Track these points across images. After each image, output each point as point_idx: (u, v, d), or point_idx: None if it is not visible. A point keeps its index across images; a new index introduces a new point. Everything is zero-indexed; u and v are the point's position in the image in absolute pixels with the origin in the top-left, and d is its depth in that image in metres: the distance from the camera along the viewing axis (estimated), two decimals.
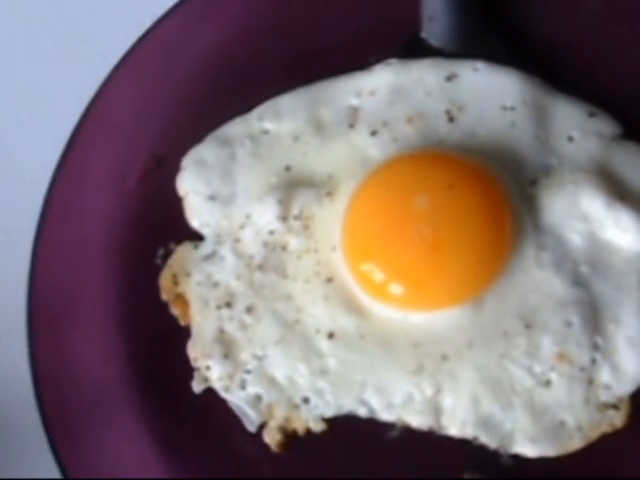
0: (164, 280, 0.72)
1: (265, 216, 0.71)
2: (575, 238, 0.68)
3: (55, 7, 0.82)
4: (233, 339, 0.70)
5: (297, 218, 0.70)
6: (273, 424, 0.69)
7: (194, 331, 0.71)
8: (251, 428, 0.69)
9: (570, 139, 0.71)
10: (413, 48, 0.74)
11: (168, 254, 0.73)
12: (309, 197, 0.71)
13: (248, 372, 0.69)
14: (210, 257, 0.72)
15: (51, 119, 0.78)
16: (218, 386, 0.69)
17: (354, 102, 0.73)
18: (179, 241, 0.73)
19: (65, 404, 0.70)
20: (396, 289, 0.67)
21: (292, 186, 0.71)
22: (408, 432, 0.67)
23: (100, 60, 0.76)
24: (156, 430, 0.70)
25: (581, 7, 0.74)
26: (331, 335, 0.68)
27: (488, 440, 0.66)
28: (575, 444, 0.66)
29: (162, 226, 0.73)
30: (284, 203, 0.70)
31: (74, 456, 0.69)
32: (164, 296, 0.72)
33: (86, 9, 0.82)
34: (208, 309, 0.71)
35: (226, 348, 0.69)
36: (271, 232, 0.71)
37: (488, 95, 0.72)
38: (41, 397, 0.70)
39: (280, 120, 0.74)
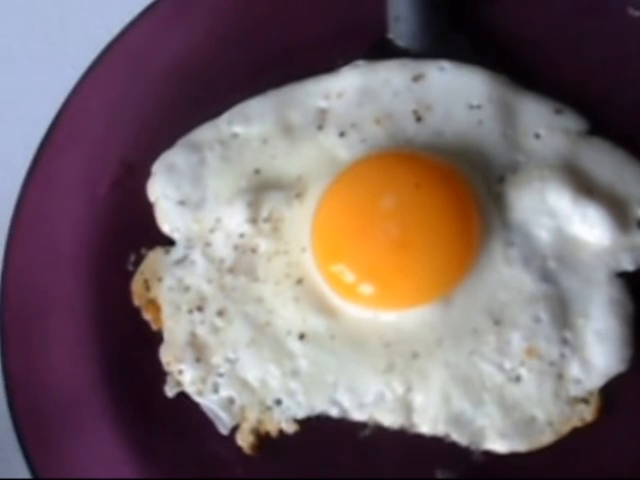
0: (136, 286, 0.72)
1: (235, 219, 0.71)
2: (543, 234, 0.68)
3: (24, 16, 0.82)
4: (205, 343, 0.70)
5: (267, 220, 0.71)
6: (246, 426, 0.69)
7: (166, 336, 0.71)
8: (224, 431, 0.69)
9: (537, 136, 0.71)
10: (380, 49, 0.75)
11: (140, 260, 0.73)
12: (278, 199, 0.71)
13: (220, 375, 0.69)
14: (181, 262, 0.72)
15: (21, 127, 0.78)
16: (191, 390, 0.69)
17: (322, 104, 0.74)
18: (150, 246, 0.73)
19: (38, 411, 0.70)
20: (366, 289, 0.67)
21: (261, 189, 0.71)
22: (380, 431, 0.67)
23: (69, 68, 0.76)
24: (129, 435, 0.70)
25: (546, 4, 0.75)
26: (302, 336, 0.68)
27: (459, 437, 0.66)
28: (546, 439, 0.66)
29: (133, 232, 0.73)
30: (253, 206, 0.70)
31: (47, 463, 0.69)
32: (136, 301, 0.72)
33: (55, 18, 0.82)
34: (180, 313, 0.71)
35: (198, 352, 0.70)
36: (241, 235, 0.71)
37: (455, 94, 0.72)
38: (14, 405, 0.70)
39: (249, 124, 0.74)
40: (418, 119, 0.72)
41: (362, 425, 0.68)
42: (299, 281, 0.69)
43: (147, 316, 0.72)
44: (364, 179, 0.69)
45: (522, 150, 0.70)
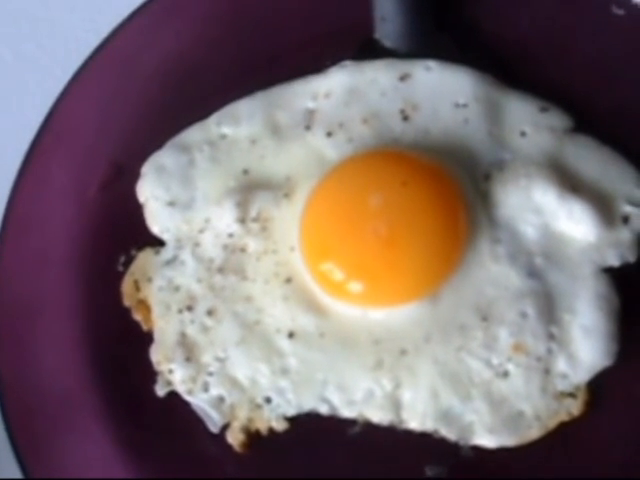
0: (126, 286, 0.73)
1: (224, 219, 0.71)
2: (529, 230, 0.69)
3: (13, 19, 0.83)
4: (195, 342, 0.70)
5: (255, 220, 0.71)
6: (236, 424, 0.69)
7: (156, 335, 0.71)
8: (214, 429, 0.69)
9: (523, 134, 0.71)
10: (367, 50, 0.75)
11: (130, 260, 0.73)
12: (267, 199, 0.71)
13: (210, 374, 0.69)
14: (171, 262, 0.72)
15: (11, 130, 0.78)
16: (181, 389, 0.70)
17: (310, 104, 0.74)
18: (140, 247, 0.73)
19: (29, 411, 0.70)
20: (354, 287, 0.68)
21: (250, 189, 0.72)
22: (369, 428, 0.68)
23: (58, 70, 0.76)
24: (120, 434, 0.70)
25: (530, 3, 0.75)
26: (291, 334, 0.69)
27: (448, 432, 0.67)
28: (534, 433, 0.66)
29: (123, 233, 0.74)
30: (242, 206, 0.71)
31: (39, 463, 0.69)
32: (126, 302, 0.72)
33: (43, 21, 0.83)
34: (170, 313, 0.71)
35: (188, 351, 0.70)
36: (230, 235, 0.71)
37: (441, 93, 0.73)
38: (5, 405, 0.70)
39: (238, 124, 0.74)
40: (405, 118, 0.72)
41: (352, 422, 0.68)
42: (288, 280, 0.70)
43: (137, 316, 0.72)
44: (351, 178, 0.70)
45: (508, 148, 0.71)
